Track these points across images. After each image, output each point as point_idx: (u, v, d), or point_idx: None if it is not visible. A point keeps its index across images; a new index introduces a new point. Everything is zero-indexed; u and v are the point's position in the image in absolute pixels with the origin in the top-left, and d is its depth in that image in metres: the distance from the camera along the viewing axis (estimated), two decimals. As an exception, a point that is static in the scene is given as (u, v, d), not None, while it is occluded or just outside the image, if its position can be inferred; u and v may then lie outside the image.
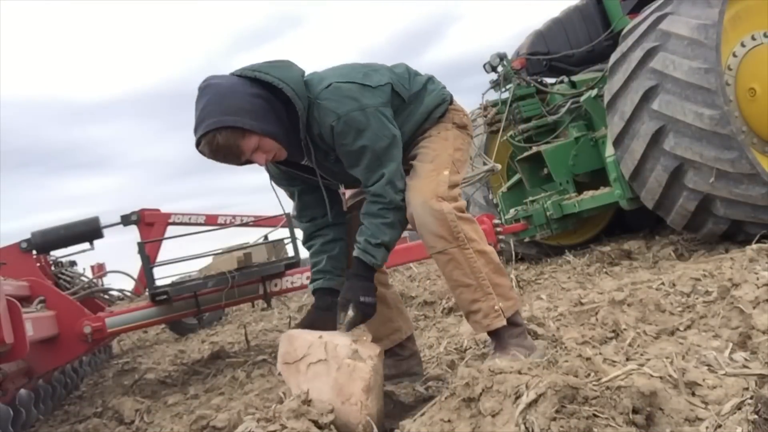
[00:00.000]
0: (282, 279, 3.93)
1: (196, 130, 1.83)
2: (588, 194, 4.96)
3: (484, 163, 5.40)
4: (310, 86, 1.96)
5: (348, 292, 1.98)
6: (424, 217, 1.95)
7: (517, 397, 1.37)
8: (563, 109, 5.50)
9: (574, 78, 5.85)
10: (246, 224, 6.33)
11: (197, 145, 1.85)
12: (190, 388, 3.35)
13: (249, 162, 1.96)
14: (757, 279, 2.33)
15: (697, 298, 2.53)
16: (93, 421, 2.83)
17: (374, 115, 1.94)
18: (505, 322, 1.96)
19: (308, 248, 2.28)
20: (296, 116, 1.92)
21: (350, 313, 1.95)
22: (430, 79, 2.23)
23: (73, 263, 5.67)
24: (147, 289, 3.72)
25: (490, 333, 2.04)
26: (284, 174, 2.17)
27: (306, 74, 2.03)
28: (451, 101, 2.24)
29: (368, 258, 1.98)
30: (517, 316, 2.05)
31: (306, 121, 1.94)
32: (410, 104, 2.11)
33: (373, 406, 1.79)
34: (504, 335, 2.00)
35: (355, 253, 2.01)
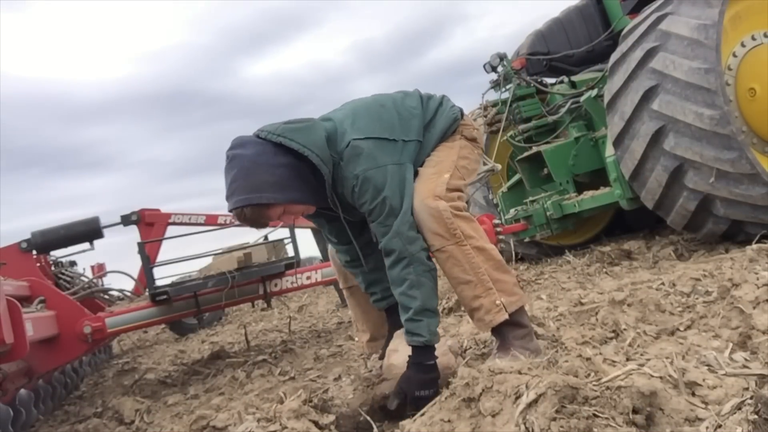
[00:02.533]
0: (282, 279, 3.93)
1: (227, 201, 1.95)
2: (588, 194, 4.96)
3: (484, 163, 5.41)
4: (332, 143, 2.00)
5: (404, 383, 1.91)
6: (421, 215, 1.97)
7: (517, 397, 1.37)
8: (563, 109, 5.50)
9: (574, 78, 5.85)
10: (246, 224, 6.31)
11: (230, 212, 1.98)
12: (190, 388, 3.34)
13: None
14: (757, 279, 2.33)
15: (697, 298, 2.53)
16: (93, 421, 2.83)
17: (391, 172, 1.98)
18: (506, 317, 1.94)
19: (362, 266, 2.30)
20: (323, 176, 1.98)
21: (406, 404, 1.87)
22: (441, 102, 2.26)
23: (73, 263, 5.67)
24: (147, 289, 3.72)
25: (494, 332, 2.03)
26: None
27: (327, 124, 2.05)
28: (462, 116, 2.28)
29: (416, 339, 1.94)
30: (523, 317, 2.03)
31: (331, 182, 2.01)
32: (425, 134, 2.16)
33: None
34: (508, 335, 1.98)
35: (405, 339, 1.99)
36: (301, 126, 1.99)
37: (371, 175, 1.95)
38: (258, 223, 1.99)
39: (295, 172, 1.95)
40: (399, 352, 2.06)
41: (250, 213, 1.92)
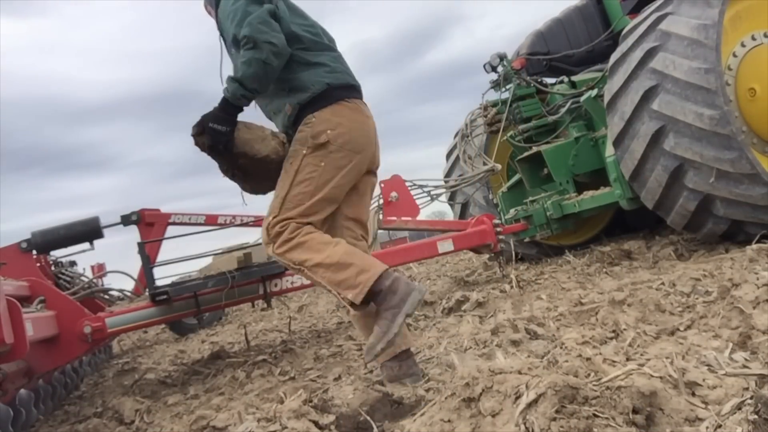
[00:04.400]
0: (282, 279, 3.93)
1: None
2: (588, 194, 4.96)
3: (484, 163, 5.43)
4: None
5: (205, 115, 2.24)
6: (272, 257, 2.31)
7: (517, 397, 1.37)
8: (563, 109, 5.50)
9: (574, 78, 5.86)
10: (246, 224, 6.33)
11: None
12: (190, 388, 3.34)
13: None
14: (757, 279, 2.33)
15: (697, 298, 2.53)
16: (93, 421, 2.83)
17: None
18: (357, 305, 2.13)
19: None
20: None
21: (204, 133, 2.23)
22: (329, 61, 2.34)
23: (73, 263, 5.66)
24: (147, 289, 3.72)
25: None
26: None
27: None
28: (324, 97, 2.28)
29: (224, 91, 2.24)
30: (377, 284, 2.12)
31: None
32: (292, 58, 2.28)
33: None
34: (377, 307, 2.14)
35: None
36: None
37: None
38: None
39: None
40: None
41: None
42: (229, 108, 2.22)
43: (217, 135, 2.20)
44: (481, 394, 1.44)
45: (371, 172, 2.47)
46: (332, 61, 2.34)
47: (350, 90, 2.34)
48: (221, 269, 3.69)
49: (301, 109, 2.29)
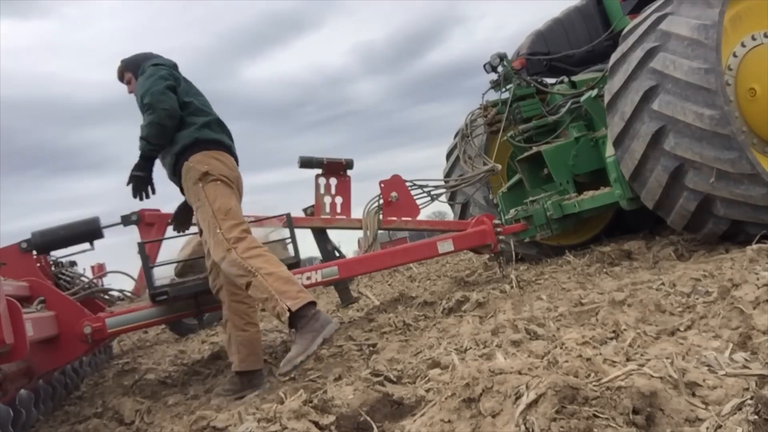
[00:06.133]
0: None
1: None
2: (588, 194, 4.96)
3: (484, 163, 5.43)
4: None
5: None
6: (227, 270, 2.81)
7: (517, 398, 1.37)
8: (563, 109, 5.51)
9: (574, 78, 5.86)
10: (246, 224, 6.30)
11: None
12: (190, 388, 3.34)
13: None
14: (757, 279, 2.33)
15: (697, 299, 2.53)
16: (93, 421, 2.82)
17: (151, 68, 3.06)
18: (288, 315, 2.63)
19: None
20: None
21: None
22: (202, 123, 3.01)
23: (73, 263, 5.65)
24: (147, 289, 3.71)
25: (290, 324, 2.70)
26: None
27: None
28: (196, 146, 2.96)
29: (138, 148, 3.02)
30: (307, 309, 2.65)
31: None
32: (181, 120, 3.00)
33: None
34: (297, 324, 2.65)
35: None
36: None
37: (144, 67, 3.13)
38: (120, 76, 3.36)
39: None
40: None
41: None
42: (142, 159, 3.04)
43: (138, 179, 3.03)
44: (481, 394, 1.44)
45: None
46: (205, 124, 3.01)
47: (215, 143, 3.01)
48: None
49: (177, 157, 2.98)
